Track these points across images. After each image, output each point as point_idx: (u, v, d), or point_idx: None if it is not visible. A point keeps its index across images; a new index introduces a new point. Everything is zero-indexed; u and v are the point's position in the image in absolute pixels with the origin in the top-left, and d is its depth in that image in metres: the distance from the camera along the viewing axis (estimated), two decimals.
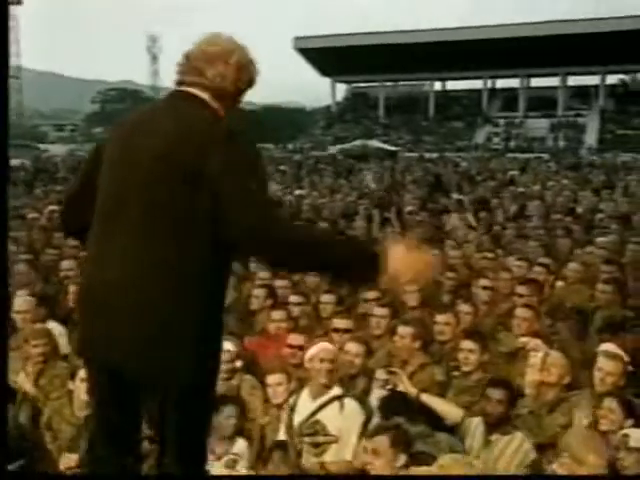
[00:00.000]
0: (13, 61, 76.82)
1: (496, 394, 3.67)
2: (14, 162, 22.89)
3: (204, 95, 2.16)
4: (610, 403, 3.50)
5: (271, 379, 4.13)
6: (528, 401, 3.96)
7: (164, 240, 2.01)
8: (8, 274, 2.96)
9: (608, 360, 3.85)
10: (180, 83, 2.20)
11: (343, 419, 3.74)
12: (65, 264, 6.19)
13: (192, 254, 2.00)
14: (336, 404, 3.79)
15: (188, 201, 1.98)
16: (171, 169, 1.99)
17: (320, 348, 3.94)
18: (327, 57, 56.37)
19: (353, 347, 4.26)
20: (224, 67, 2.16)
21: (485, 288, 5.60)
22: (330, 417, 3.74)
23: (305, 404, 3.84)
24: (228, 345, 4.29)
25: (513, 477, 3.53)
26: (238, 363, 4.30)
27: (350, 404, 3.80)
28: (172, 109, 2.15)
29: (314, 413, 3.78)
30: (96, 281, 2.10)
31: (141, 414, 2.28)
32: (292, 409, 3.87)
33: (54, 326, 4.80)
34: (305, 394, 3.90)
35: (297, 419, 3.80)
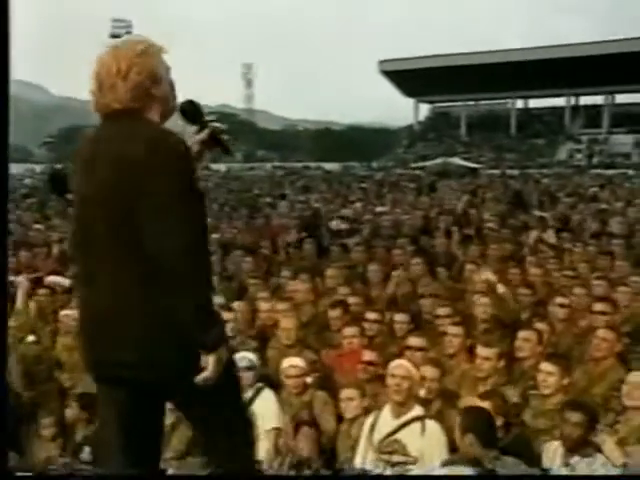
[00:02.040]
0: None
1: (574, 417, 3.40)
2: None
3: (142, 114, 2.13)
4: None
5: (344, 394, 4.01)
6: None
7: (131, 259, 2.04)
8: (7, 276, 3.01)
9: None
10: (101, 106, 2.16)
11: (424, 440, 3.57)
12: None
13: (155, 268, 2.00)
14: (417, 425, 3.62)
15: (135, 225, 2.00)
16: (118, 194, 2.01)
17: (393, 364, 3.79)
18: (410, 78, 56.12)
19: (429, 371, 4.03)
20: (126, 85, 2.10)
21: (562, 306, 5.28)
22: (411, 437, 3.59)
23: (386, 422, 3.71)
24: (296, 360, 4.22)
25: (519, 477, 3.27)
26: (308, 379, 4.20)
27: (432, 426, 3.62)
28: (107, 135, 2.14)
29: (394, 432, 3.63)
30: (88, 310, 2.19)
31: (158, 422, 2.29)
32: (373, 426, 3.73)
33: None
34: (386, 412, 3.76)
35: (377, 437, 3.67)
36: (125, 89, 2.10)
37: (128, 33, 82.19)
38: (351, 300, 5.46)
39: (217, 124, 2.36)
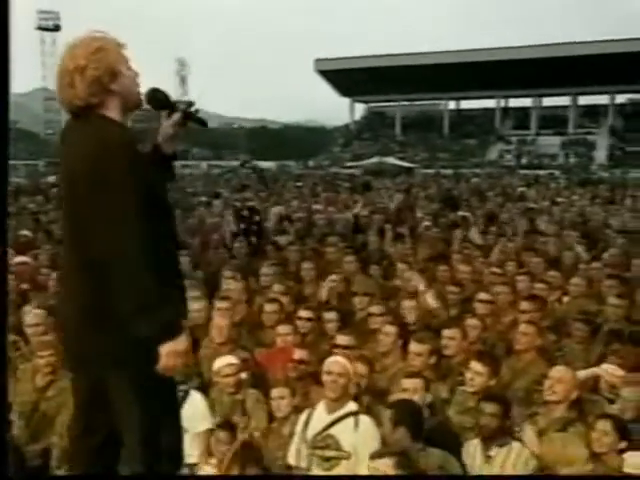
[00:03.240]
0: (51, 84, 78.21)
1: (489, 407, 3.52)
2: (51, 179, 23.12)
3: (100, 109, 2.23)
4: (604, 426, 3.37)
5: (275, 392, 4.02)
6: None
7: (77, 259, 2.25)
8: (7, 277, 2.95)
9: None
10: (73, 105, 2.26)
11: (357, 435, 3.59)
12: None
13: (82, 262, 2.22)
14: (351, 420, 3.65)
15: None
16: (75, 192, 2.16)
17: (331, 361, 3.82)
18: (346, 78, 56.50)
19: (357, 367, 4.06)
20: (84, 81, 2.19)
21: (483, 302, 5.43)
22: (344, 433, 3.61)
23: (320, 417, 3.72)
24: (230, 359, 4.20)
25: (513, 477, 3.39)
26: (243, 375, 4.20)
27: (365, 421, 3.65)
28: (71, 133, 2.28)
29: (328, 427, 3.65)
30: (59, 306, 2.48)
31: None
32: (307, 422, 3.74)
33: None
34: (321, 408, 3.77)
35: (310, 432, 3.68)
36: (83, 85, 2.19)
37: (56, 26, 79.51)
38: (283, 299, 5.46)
39: (184, 104, 2.47)
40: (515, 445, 3.45)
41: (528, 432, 3.58)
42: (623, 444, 3.36)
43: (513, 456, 3.41)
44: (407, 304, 5.32)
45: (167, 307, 2.15)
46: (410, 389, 3.76)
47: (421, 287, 5.72)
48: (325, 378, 3.74)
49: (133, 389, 2.24)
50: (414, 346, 4.38)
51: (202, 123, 2.53)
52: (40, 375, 4.29)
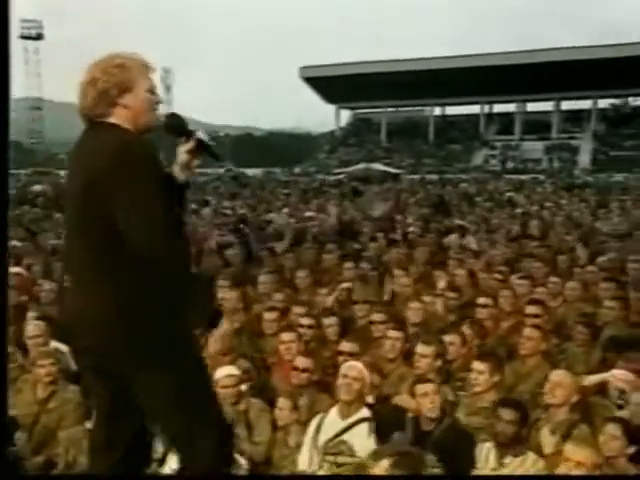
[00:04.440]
0: (34, 93, 77.63)
1: (507, 414, 3.50)
2: (36, 187, 22.89)
3: (109, 119, 2.28)
4: (614, 429, 3.36)
5: (278, 402, 4.00)
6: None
7: (101, 263, 2.23)
8: (7, 281, 2.91)
9: None
10: (85, 115, 2.32)
11: (371, 442, 3.57)
12: None
13: (116, 262, 2.20)
14: (365, 426, 3.63)
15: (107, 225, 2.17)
16: (91, 201, 2.19)
17: (345, 365, 3.81)
18: (332, 85, 56.64)
19: (371, 376, 4.04)
20: (94, 92, 2.26)
21: (485, 307, 5.44)
22: (358, 438, 3.59)
23: (332, 423, 3.69)
24: (231, 370, 4.15)
25: (517, 477, 3.37)
26: (243, 387, 4.14)
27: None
28: (85, 142, 2.32)
29: (341, 433, 3.62)
30: (69, 303, 2.43)
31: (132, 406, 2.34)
32: (319, 427, 3.71)
33: (58, 346, 4.67)
34: (334, 413, 3.75)
35: (323, 438, 3.65)
36: (92, 95, 2.26)
37: (39, 34, 78.95)
38: (284, 306, 5.43)
39: (201, 134, 2.47)
40: (530, 454, 3.43)
41: (543, 431, 3.57)
42: (632, 449, 3.35)
43: (528, 466, 3.39)
44: (413, 305, 5.30)
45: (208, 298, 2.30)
46: (424, 394, 3.73)
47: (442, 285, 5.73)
48: (340, 381, 3.73)
49: (173, 389, 2.23)
50: (420, 348, 4.35)
51: (216, 156, 2.55)
52: (41, 386, 4.21)
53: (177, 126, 2.45)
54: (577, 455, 3.08)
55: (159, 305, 2.23)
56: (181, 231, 2.29)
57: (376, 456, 3.09)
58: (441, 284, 5.83)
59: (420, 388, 3.76)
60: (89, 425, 3.75)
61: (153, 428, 2.44)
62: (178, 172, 2.46)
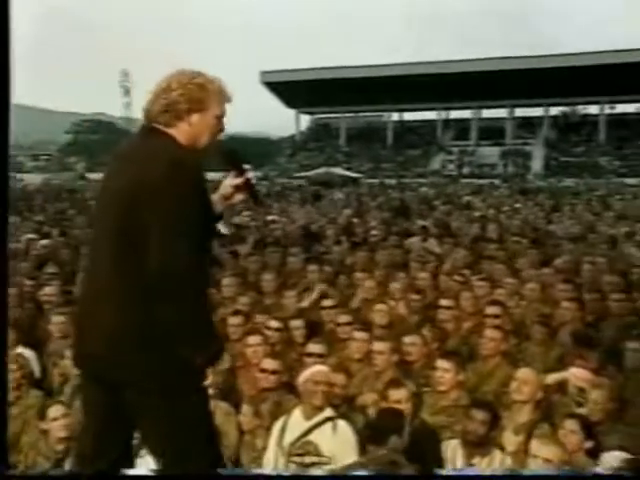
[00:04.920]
0: None
1: (479, 415, 3.55)
2: None
3: (168, 130, 2.24)
4: (571, 425, 3.44)
5: (242, 408, 4.00)
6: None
7: (121, 269, 2.15)
8: (8, 280, 2.83)
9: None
10: (148, 117, 2.29)
11: (336, 440, 3.57)
12: (46, 290, 5.97)
13: (140, 279, 2.10)
14: (329, 425, 3.62)
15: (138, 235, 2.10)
16: (131, 208, 2.13)
17: (314, 371, 3.79)
18: (292, 90, 56.65)
19: (338, 378, 4.05)
20: (165, 100, 2.24)
21: (447, 308, 5.50)
22: (323, 438, 3.58)
23: (297, 424, 3.67)
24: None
25: (514, 477, 3.41)
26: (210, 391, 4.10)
27: (342, 426, 3.64)
28: (137, 146, 2.30)
29: (306, 433, 3.61)
30: (84, 303, 2.31)
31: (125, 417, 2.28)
32: (283, 429, 3.68)
33: (23, 351, 4.59)
34: (297, 414, 3.73)
35: (288, 439, 3.62)
36: (162, 102, 2.23)
37: None
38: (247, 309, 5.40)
39: (251, 174, 2.49)
40: (497, 453, 3.48)
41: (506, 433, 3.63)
42: (589, 443, 3.44)
43: (496, 465, 3.44)
44: (379, 307, 5.32)
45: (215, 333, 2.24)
46: (398, 400, 3.75)
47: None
48: (309, 387, 3.70)
49: (170, 419, 2.17)
50: (376, 344, 4.45)
51: (256, 200, 2.56)
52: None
53: (233, 160, 2.47)
54: (544, 452, 3.14)
55: (172, 330, 2.13)
56: (205, 262, 2.25)
57: (364, 464, 3.11)
58: (397, 286, 5.87)
59: (393, 394, 3.78)
60: (45, 426, 3.71)
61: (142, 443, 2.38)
62: (216, 202, 2.44)
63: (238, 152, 2.50)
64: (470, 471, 3.39)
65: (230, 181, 2.47)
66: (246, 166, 2.47)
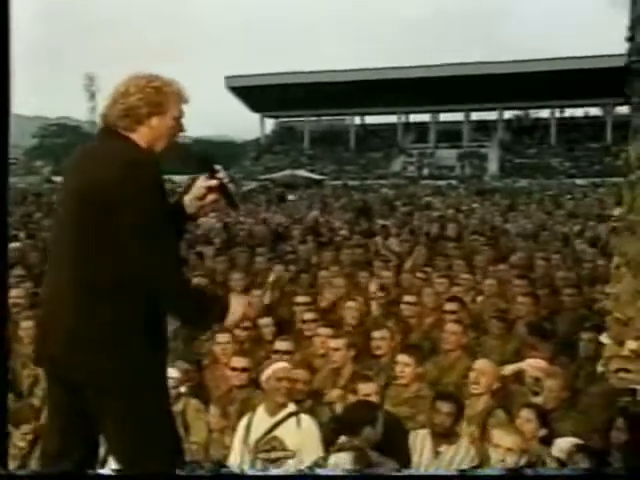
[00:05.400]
0: None
1: (445, 407, 3.60)
2: None
3: (128, 134, 2.21)
4: (527, 414, 3.52)
5: (210, 409, 4.01)
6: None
7: (82, 269, 2.12)
8: (8, 280, 2.77)
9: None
10: (107, 122, 2.25)
11: (301, 434, 3.59)
12: (14, 292, 5.81)
13: (102, 280, 2.09)
14: (293, 420, 3.63)
15: (103, 237, 2.08)
16: (88, 206, 2.10)
17: (276, 368, 3.79)
18: (256, 94, 56.48)
19: (300, 374, 4.07)
20: (123, 104, 2.21)
21: (409, 304, 5.57)
22: (288, 433, 3.59)
23: (261, 421, 3.67)
24: (172, 372, 4.08)
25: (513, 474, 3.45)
26: (182, 388, 4.08)
27: (306, 420, 3.66)
28: (96, 148, 2.26)
29: (271, 429, 3.61)
30: (46, 304, 2.26)
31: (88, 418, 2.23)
32: (248, 427, 3.68)
33: None
34: (261, 411, 3.72)
35: (253, 437, 3.62)
36: (121, 107, 2.18)
37: None
38: None
39: (224, 175, 2.44)
40: (463, 442, 3.54)
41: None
42: (543, 431, 3.52)
43: (462, 453, 3.49)
44: (350, 305, 5.35)
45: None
46: (367, 394, 3.78)
47: (372, 288, 5.81)
48: (273, 384, 3.71)
49: (130, 418, 2.13)
50: (331, 342, 4.51)
51: (233, 204, 2.50)
52: None
53: (205, 162, 2.43)
54: (505, 441, 3.20)
55: (137, 331, 2.12)
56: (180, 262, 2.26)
57: (337, 448, 3.12)
58: (372, 287, 5.90)
59: (363, 388, 3.81)
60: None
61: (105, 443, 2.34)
62: (188, 202, 2.42)
63: (209, 154, 2.48)
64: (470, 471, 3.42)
65: (203, 182, 2.42)
66: (218, 167, 2.43)
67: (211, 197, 2.43)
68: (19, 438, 3.63)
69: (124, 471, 2.24)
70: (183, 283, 2.18)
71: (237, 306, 2.22)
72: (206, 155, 2.47)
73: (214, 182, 2.42)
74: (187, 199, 2.43)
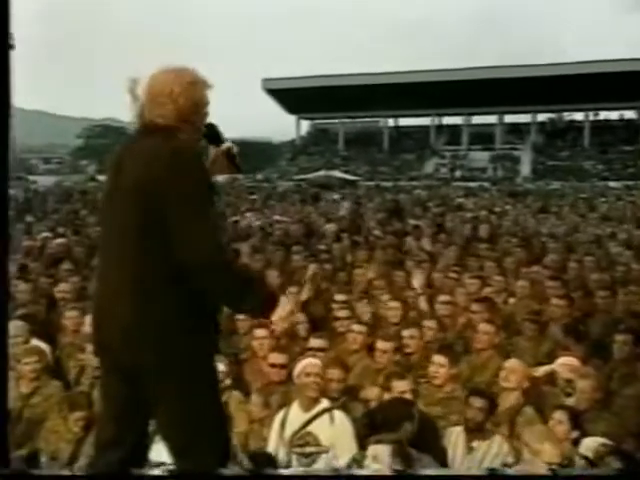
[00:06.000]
0: None
1: (477, 402, 3.59)
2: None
3: (168, 129, 2.22)
4: (560, 415, 3.46)
5: (252, 399, 4.04)
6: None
7: (137, 263, 2.14)
8: (8, 280, 2.84)
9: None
10: (146, 117, 2.28)
11: (334, 430, 3.59)
12: (62, 286, 5.97)
13: (156, 272, 2.12)
14: (326, 416, 3.64)
15: (152, 228, 2.11)
16: (138, 201, 2.12)
17: (305, 364, 3.81)
18: (292, 97, 56.68)
19: (334, 373, 4.06)
20: (171, 102, 2.23)
21: (444, 303, 5.52)
22: (322, 429, 3.60)
23: (296, 417, 3.69)
24: (219, 365, 4.14)
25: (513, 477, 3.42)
26: (227, 381, 4.13)
27: (339, 415, 3.66)
28: (139, 144, 2.26)
29: (306, 425, 3.63)
30: (101, 297, 2.27)
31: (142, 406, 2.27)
32: (283, 422, 3.70)
33: (39, 344, 4.56)
34: (295, 407, 3.74)
35: (288, 431, 3.64)
36: (172, 110, 2.22)
37: (9, 45, 76.87)
38: None
39: (230, 144, 2.55)
40: (497, 438, 3.51)
41: None
42: (575, 433, 3.45)
43: (495, 448, 3.46)
44: (393, 305, 5.34)
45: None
46: (402, 391, 3.78)
47: (417, 284, 5.78)
48: (304, 379, 3.72)
49: (184, 406, 2.18)
50: (380, 344, 4.48)
51: (237, 169, 2.63)
52: (25, 382, 4.11)
53: (213, 134, 2.50)
54: (539, 448, 3.13)
55: (191, 320, 2.16)
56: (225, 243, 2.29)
57: (376, 440, 3.10)
58: (416, 282, 5.87)
59: (398, 385, 3.81)
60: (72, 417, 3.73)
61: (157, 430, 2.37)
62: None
63: (214, 126, 2.50)
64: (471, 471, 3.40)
65: (212, 152, 2.54)
66: (225, 137, 2.54)
67: (219, 163, 2.53)
68: (73, 424, 3.71)
69: (175, 460, 2.27)
70: (229, 261, 2.18)
71: (286, 300, 2.24)
72: (212, 126, 2.50)
73: (220, 150, 2.53)
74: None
